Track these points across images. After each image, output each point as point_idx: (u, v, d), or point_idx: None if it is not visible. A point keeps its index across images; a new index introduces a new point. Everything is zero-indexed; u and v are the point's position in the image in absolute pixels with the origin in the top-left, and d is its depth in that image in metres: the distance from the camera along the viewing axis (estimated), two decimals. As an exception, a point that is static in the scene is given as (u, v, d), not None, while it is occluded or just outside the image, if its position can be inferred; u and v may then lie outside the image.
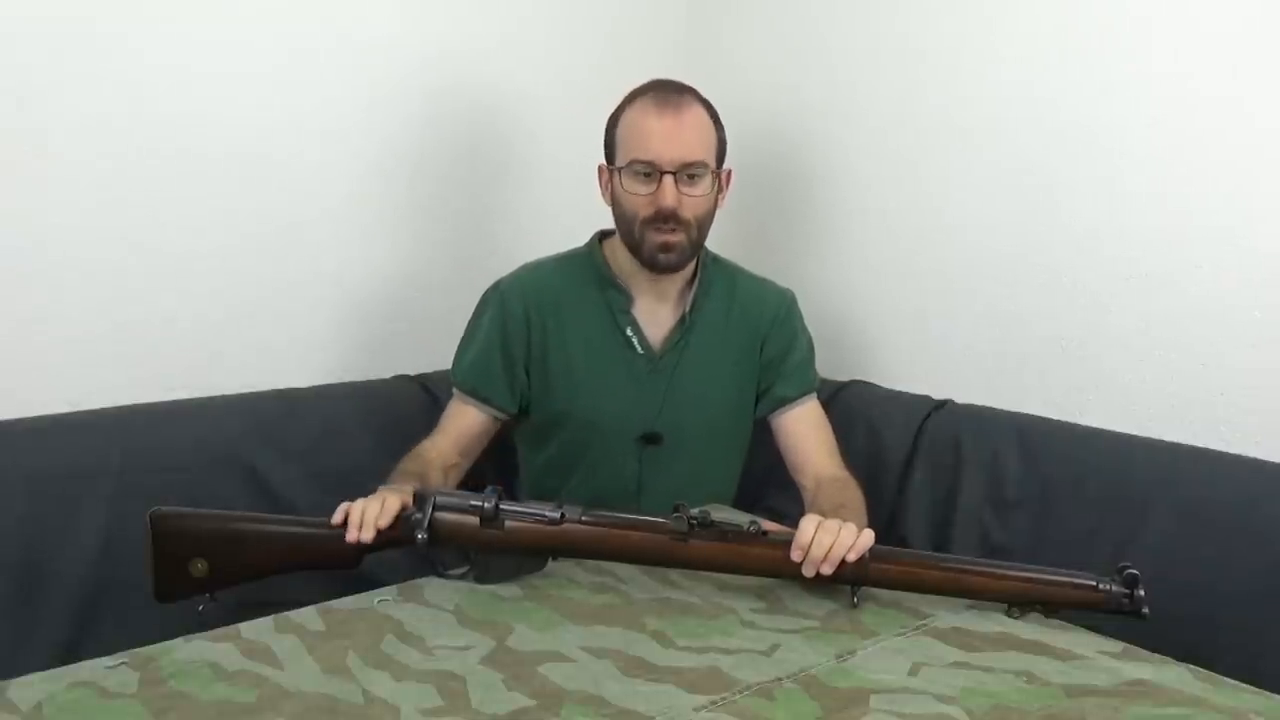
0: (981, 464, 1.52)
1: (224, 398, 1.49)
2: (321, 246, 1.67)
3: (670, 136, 1.35)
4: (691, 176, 1.37)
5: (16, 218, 1.39)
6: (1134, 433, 1.42)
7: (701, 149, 1.37)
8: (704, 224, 1.41)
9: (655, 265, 1.40)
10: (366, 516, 1.10)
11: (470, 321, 1.52)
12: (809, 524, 1.08)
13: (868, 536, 1.08)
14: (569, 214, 1.61)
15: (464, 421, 1.46)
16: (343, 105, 1.65)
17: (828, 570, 1.07)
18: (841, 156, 1.80)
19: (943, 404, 1.61)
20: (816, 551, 1.06)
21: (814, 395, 1.53)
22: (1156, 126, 1.41)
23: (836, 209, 1.83)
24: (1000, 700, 0.89)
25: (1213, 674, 0.95)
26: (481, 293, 1.52)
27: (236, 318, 1.59)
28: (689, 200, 1.37)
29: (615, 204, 1.43)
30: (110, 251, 1.47)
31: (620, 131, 1.41)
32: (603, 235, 1.51)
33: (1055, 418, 1.50)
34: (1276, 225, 1.31)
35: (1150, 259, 1.43)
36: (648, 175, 1.36)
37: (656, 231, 1.37)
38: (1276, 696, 0.91)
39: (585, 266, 1.49)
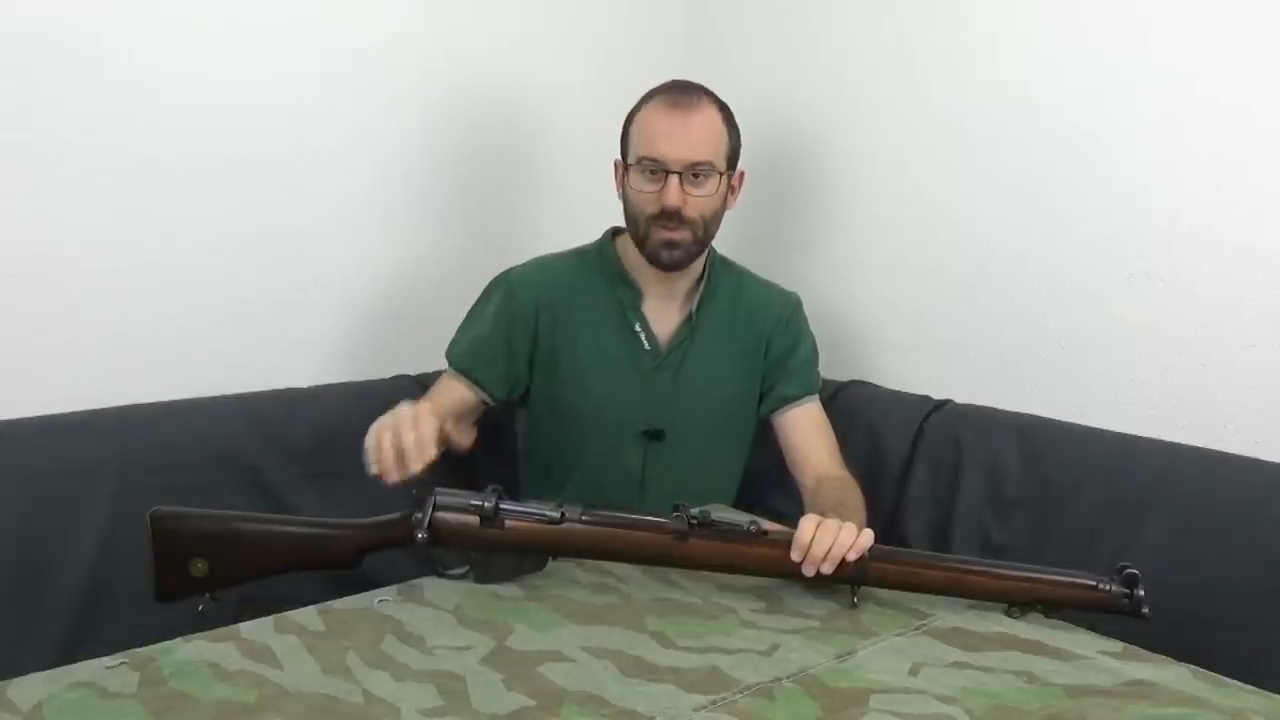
0: (981, 464, 1.52)
1: (224, 398, 1.50)
2: (322, 247, 1.67)
3: (678, 136, 1.37)
4: (697, 176, 1.38)
5: (18, 220, 1.39)
6: (1134, 433, 1.42)
7: (709, 150, 1.38)
8: (710, 223, 1.42)
9: (659, 261, 1.42)
10: (408, 451, 1.10)
11: (475, 304, 1.53)
12: (809, 523, 1.08)
13: (867, 536, 1.08)
14: (571, 213, 1.61)
15: (453, 397, 1.47)
16: (344, 107, 1.65)
17: (828, 570, 1.07)
18: (842, 157, 1.80)
19: (943, 404, 1.61)
20: (816, 551, 1.06)
21: (816, 397, 1.54)
22: (1156, 126, 1.41)
23: (836, 209, 1.83)
24: (1000, 700, 0.89)
25: (1213, 674, 0.95)
26: (476, 290, 1.52)
27: (236, 318, 1.59)
28: (694, 200, 1.38)
29: (625, 200, 1.44)
30: (110, 252, 1.47)
31: (634, 129, 1.42)
32: (615, 231, 1.52)
33: (1055, 418, 1.50)
34: (1276, 225, 1.31)
35: (1150, 259, 1.43)
36: (654, 173, 1.38)
37: (661, 229, 1.39)
38: (1276, 696, 0.91)
39: (596, 261, 1.50)
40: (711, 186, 1.40)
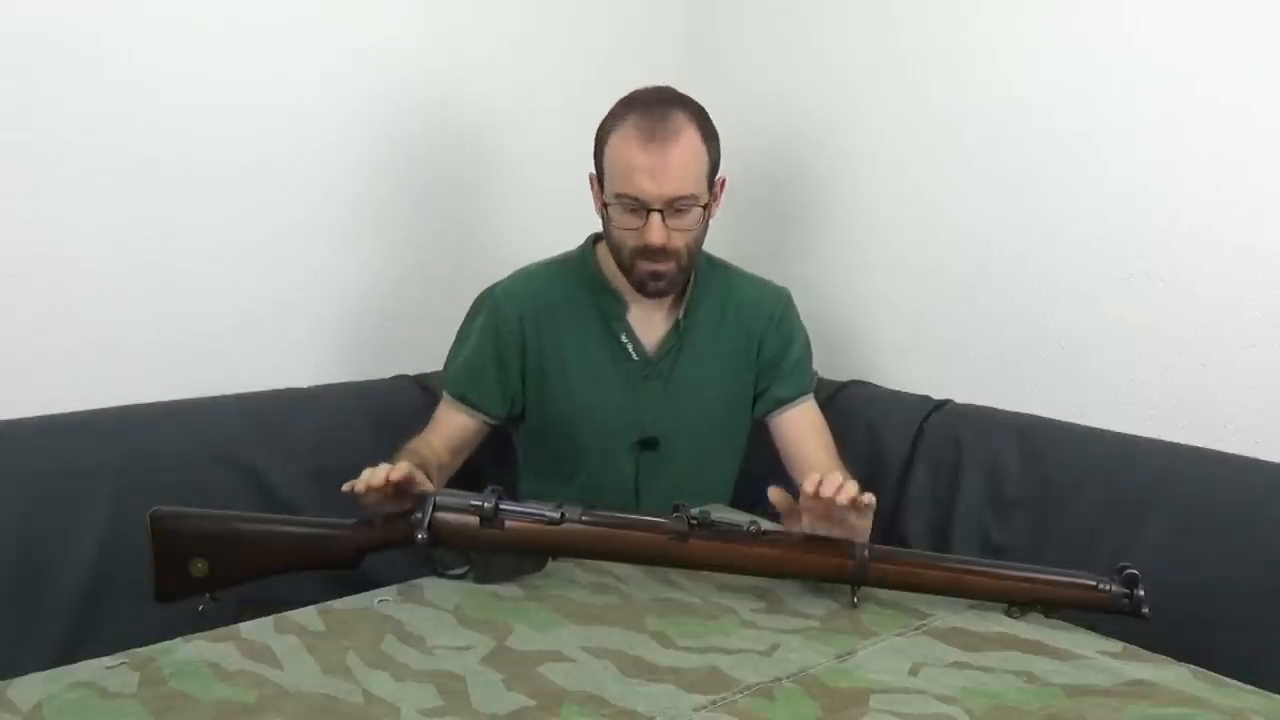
0: (981, 464, 1.52)
1: (224, 398, 1.50)
2: (321, 247, 1.67)
3: (657, 173, 1.32)
4: (679, 211, 1.35)
5: (17, 221, 1.40)
6: (1134, 433, 1.42)
7: (690, 181, 1.34)
8: (694, 249, 1.40)
9: (644, 291, 1.41)
10: (378, 472, 1.11)
11: (462, 325, 1.52)
12: (813, 473, 1.12)
13: (871, 496, 1.11)
14: (567, 215, 1.61)
15: (454, 424, 1.46)
16: (342, 108, 1.65)
17: (843, 499, 1.09)
18: (841, 158, 1.80)
19: (943, 404, 1.61)
20: (828, 487, 1.09)
21: (811, 395, 1.53)
22: (1156, 126, 1.41)
23: (837, 210, 1.83)
24: (1000, 700, 0.89)
25: (1213, 674, 0.95)
26: (475, 290, 1.52)
27: (236, 318, 1.60)
28: (677, 233, 1.35)
29: (604, 224, 1.42)
30: (110, 253, 1.47)
31: (607, 157, 1.37)
32: (596, 238, 1.50)
33: (1055, 418, 1.50)
34: (1276, 225, 1.31)
35: (1150, 259, 1.43)
36: (635, 211, 1.34)
37: (646, 261, 1.37)
38: (1276, 696, 0.91)
39: (579, 271, 1.49)
40: (694, 218, 1.36)
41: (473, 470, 1.48)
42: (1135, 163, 1.44)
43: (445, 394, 1.49)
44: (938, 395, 1.63)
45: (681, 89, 1.42)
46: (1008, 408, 1.55)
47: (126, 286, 1.49)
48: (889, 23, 1.72)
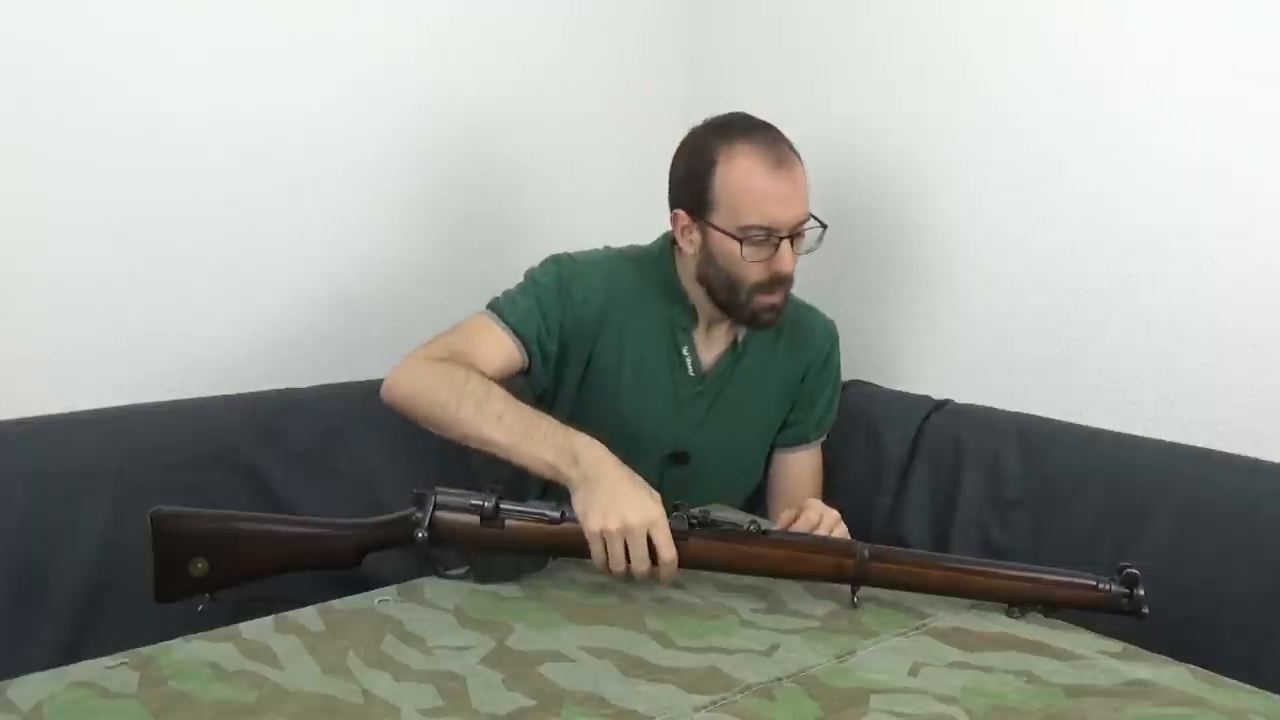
0: (981, 464, 1.52)
1: (224, 398, 1.49)
2: (321, 247, 1.67)
3: (788, 200, 1.29)
4: (800, 235, 1.33)
5: (16, 219, 1.40)
6: (1134, 433, 1.42)
7: (809, 203, 1.32)
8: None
9: (758, 324, 1.38)
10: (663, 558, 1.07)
11: (533, 278, 1.41)
12: (815, 509, 1.18)
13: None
14: (569, 215, 1.61)
15: (506, 355, 1.34)
16: (344, 106, 1.65)
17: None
18: (840, 159, 1.80)
19: (943, 404, 1.61)
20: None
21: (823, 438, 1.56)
22: (1155, 127, 1.41)
23: (835, 210, 1.82)
24: (1000, 700, 0.89)
25: (1213, 674, 0.95)
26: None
27: (236, 318, 1.60)
28: (795, 258, 1.34)
29: (713, 263, 1.34)
30: (110, 252, 1.47)
31: (722, 189, 1.31)
32: (673, 240, 1.43)
33: (1055, 418, 1.50)
34: (1276, 225, 1.31)
35: (1150, 259, 1.43)
36: (763, 242, 1.30)
37: (766, 295, 1.33)
38: (1276, 696, 0.91)
39: (654, 273, 1.43)
40: (810, 239, 1.33)
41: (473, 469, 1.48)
42: (1136, 162, 1.43)
43: (495, 317, 1.35)
44: (938, 395, 1.63)
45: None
46: (1008, 408, 1.55)
47: (127, 286, 1.49)
48: (887, 27, 1.72)
